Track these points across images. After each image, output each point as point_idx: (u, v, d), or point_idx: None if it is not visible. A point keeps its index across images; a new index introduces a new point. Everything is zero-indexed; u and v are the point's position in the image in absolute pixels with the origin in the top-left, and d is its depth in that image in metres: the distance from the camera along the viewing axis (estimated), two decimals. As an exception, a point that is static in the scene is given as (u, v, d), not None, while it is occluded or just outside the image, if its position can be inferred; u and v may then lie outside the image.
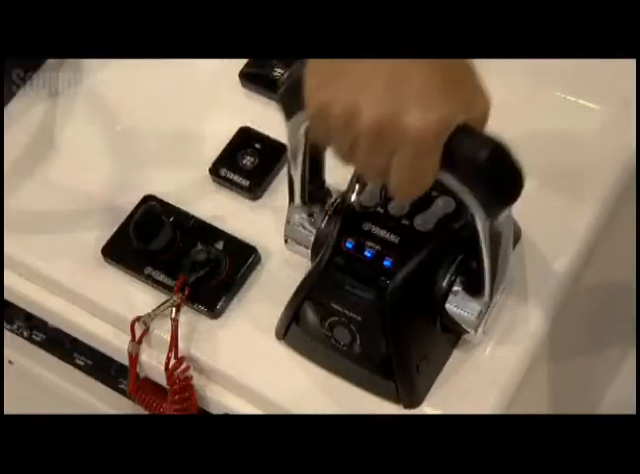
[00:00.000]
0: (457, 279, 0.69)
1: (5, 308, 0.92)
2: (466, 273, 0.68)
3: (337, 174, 0.73)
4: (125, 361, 0.79)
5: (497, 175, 0.58)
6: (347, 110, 0.56)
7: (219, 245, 0.80)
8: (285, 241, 0.74)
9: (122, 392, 0.91)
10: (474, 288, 0.68)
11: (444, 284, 0.69)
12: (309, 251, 0.73)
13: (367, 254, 0.68)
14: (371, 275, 0.68)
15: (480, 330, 0.69)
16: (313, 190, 0.72)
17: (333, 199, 0.72)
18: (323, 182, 0.73)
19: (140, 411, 0.83)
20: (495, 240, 0.63)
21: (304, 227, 0.73)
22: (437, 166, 0.56)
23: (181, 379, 0.76)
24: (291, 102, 0.62)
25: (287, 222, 0.73)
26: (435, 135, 0.55)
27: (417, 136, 0.54)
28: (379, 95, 0.55)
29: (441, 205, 0.68)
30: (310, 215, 0.73)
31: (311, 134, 0.63)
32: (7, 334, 0.95)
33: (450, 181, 0.58)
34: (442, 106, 0.55)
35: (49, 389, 0.99)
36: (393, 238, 0.68)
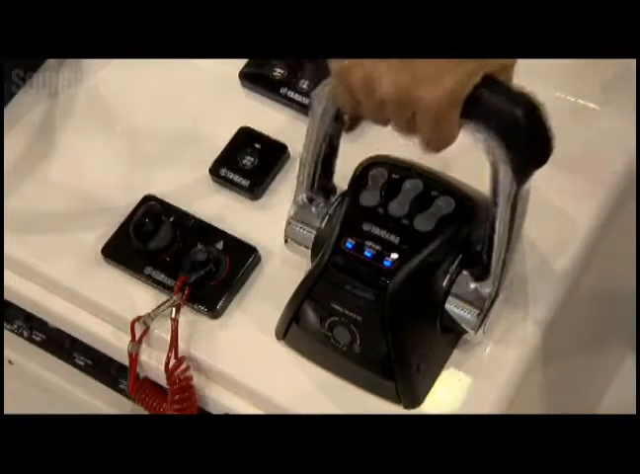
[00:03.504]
0: (461, 268, 0.68)
1: (5, 308, 0.92)
2: (473, 255, 0.68)
3: (338, 174, 0.73)
4: (125, 361, 0.79)
5: (533, 132, 0.59)
6: (366, 74, 0.60)
7: (219, 245, 0.80)
8: (285, 241, 0.74)
9: (122, 392, 0.91)
10: (481, 272, 0.68)
11: (444, 284, 0.69)
12: (309, 251, 0.73)
13: (367, 254, 0.68)
14: (371, 275, 0.68)
15: (480, 330, 0.69)
16: (322, 178, 0.72)
17: (334, 199, 0.73)
18: (332, 173, 0.73)
19: (140, 411, 0.83)
20: (511, 217, 0.64)
21: (305, 215, 0.73)
22: (456, 126, 0.60)
23: (181, 379, 0.76)
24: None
25: (293, 201, 0.73)
26: (448, 104, 0.58)
27: (431, 107, 0.58)
28: (395, 67, 0.59)
29: (441, 205, 0.68)
30: (310, 202, 0.73)
31: (337, 98, 0.65)
32: (7, 334, 0.95)
33: (483, 139, 0.60)
34: (453, 74, 0.58)
35: (49, 389, 0.99)
36: (393, 238, 0.68)
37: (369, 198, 0.69)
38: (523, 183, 0.62)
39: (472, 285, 0.68)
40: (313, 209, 0.73)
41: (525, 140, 0.59)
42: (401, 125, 0.62)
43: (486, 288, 0.68)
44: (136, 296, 0.80)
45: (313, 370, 0.75)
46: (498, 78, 0.59)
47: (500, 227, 0.65)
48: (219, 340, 0.77)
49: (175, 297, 0.77)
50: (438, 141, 0.61)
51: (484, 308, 0.68)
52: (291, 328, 0.74)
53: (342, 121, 0.69)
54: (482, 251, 0.68)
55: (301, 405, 0.74)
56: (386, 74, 0.59)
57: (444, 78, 0.58)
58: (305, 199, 0.73)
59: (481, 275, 0.68)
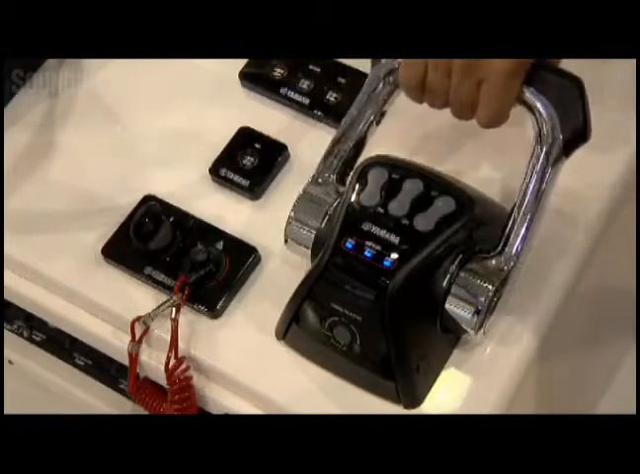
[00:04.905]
0: (461, 268, 0.69)
1: (5, 308, 0.92)
2: (473, 255, 0.69)
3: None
4: (125, 361, 0.79)
5: (585, 106, 0.65)
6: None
7: (219, 245, 0.80)
8: (285, 241, 0.74)
9: (122, 392, 0.91)
10: (500, 246, 0.69)
11: (444, 284, 0.69)
12: (309, 251, 0.73)
13: (367, 254, 0.68)
14: (371, 275, 0.68)
15: (480, 330, 0.69)
16: (345, 163, 0.74)
17: (339, 192, 0.73)
18: (354, 162, 0.74)
19: (140, 411, 0.83)
20: (544, 191, 0.67)
21: (311, 204, 0.73)
22: (515, 96, 0.65)
23: (181, 379, 0.76)
24: None
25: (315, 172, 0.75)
26: (516, 69, 0.64)
27: (500, 71, 0.63)
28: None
29: (441, 205, 0.68)
30: (326, 185, 0.74)
31: (403, 71, 0.68)
32: (7, 334, 0.95)
33: (540, 107, 0.65)
34: None
35: (49, 389, 0.99)
36: (393, 238, 0.68)
37: (369, 198, 0.69)
38: (569, 154, 0.67)
39: (474, 283, 0.68)
40: (325, 193, 0.73)
41: (578, 113, 0.65)
42: (463, 99, 0.65)
43: (500, 265, 0.68)
44: (136, 296, 0.80)
45: (313, 370, 0.75)
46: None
47: (531, 198, 0.67)
48: (219, 340, 0.77)
49: (175, 297, 0.77)
50: (498, 113, 0.65)
51: (484, 308, 0.68)
52: (291, 328, 0.74)
53: (382, 110, 0.73)
54: (503, 229, 0.69)
55: (301, 405, 0.74)
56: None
57: None
58: (322, 181, 0.73)
59: (494, 259, 0.68)
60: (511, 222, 0.68)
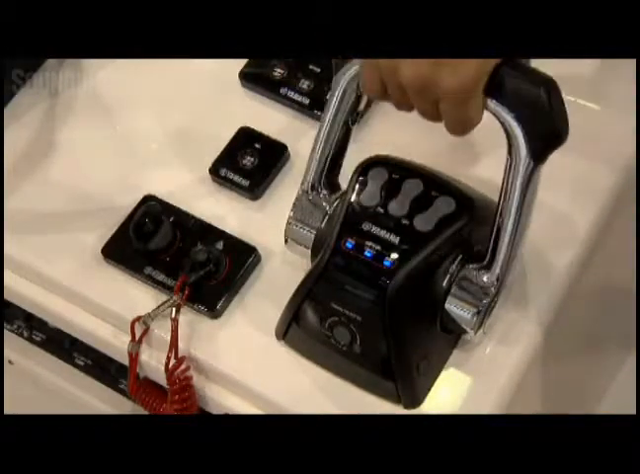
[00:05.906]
0: (461, 267, 0.69)
1: (5, 308, 0.92)
2: (473, 255, 0.69)
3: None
4: (125, 361, 0.79)
5: (552, 111, 0.61)
6: (390, 63, 0.61)
7: (219, 245, 0.80)
8: (285, 241, 0.74)
9: (122, 392, 0.91)
10: (484, 267, 0.68)
11: (444, 284, 0.69)
12: (309, 251, 0.73)
13: (367, 254, 0.68)
14: (371, 275, 0.68)
15: (480, 330, 0.69)
16: (330, 170, 0.73)
17: (335, 198, 0.73)
18: (340, 166, 0.73)
19: (140, 411, 0.83)
20: (524, 199, 0.65)
21: (307, 209, 0.73)
22: (480, 106, 0.61)
23: (181, 379, 0.76)
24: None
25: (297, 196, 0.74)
26: (470, 87, 0.59)
27: (454, 92, 0.59)
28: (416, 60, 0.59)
29: (441, 205, 0.68)
30: (316, 193, 0.73)
31: (364, 84, 0.66)
32: (7, 334, 0.95)
33: (503, 118, 0.62)
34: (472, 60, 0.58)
35: (49, 389, 0.99)
36: (393, 238, 0.68)
37: (369, 198, 0.69)
38: (541, 162, 0.63)
39: (473, 284, 0.68)
40: (317, 201, 0.73)
41: (545, 119, 0.61)
42: (425, 111, 0.63)
43: (489, 283, 0.68)
44: (136, 296, 0.80)
45: (313, 370, 0.75)
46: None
47: (511, 210, 0.65)
48: (219, 340, 0.77)
49: (175, 297, 0.77)
50: (463, 124, 0.62)
51: (484, 308, 0.68)
52: (291, 328, 0.74)
53: (357, 111, 0.71)
54: (488, 241, 0.68)
55: (301, 405, 0.74)
56: (407, 61, 0.59)
57: (465, 61, 0.58)
58: (311, 190, 0.73)
59: (483, 272, 0.68)
60: (495, 231, 0.67)
